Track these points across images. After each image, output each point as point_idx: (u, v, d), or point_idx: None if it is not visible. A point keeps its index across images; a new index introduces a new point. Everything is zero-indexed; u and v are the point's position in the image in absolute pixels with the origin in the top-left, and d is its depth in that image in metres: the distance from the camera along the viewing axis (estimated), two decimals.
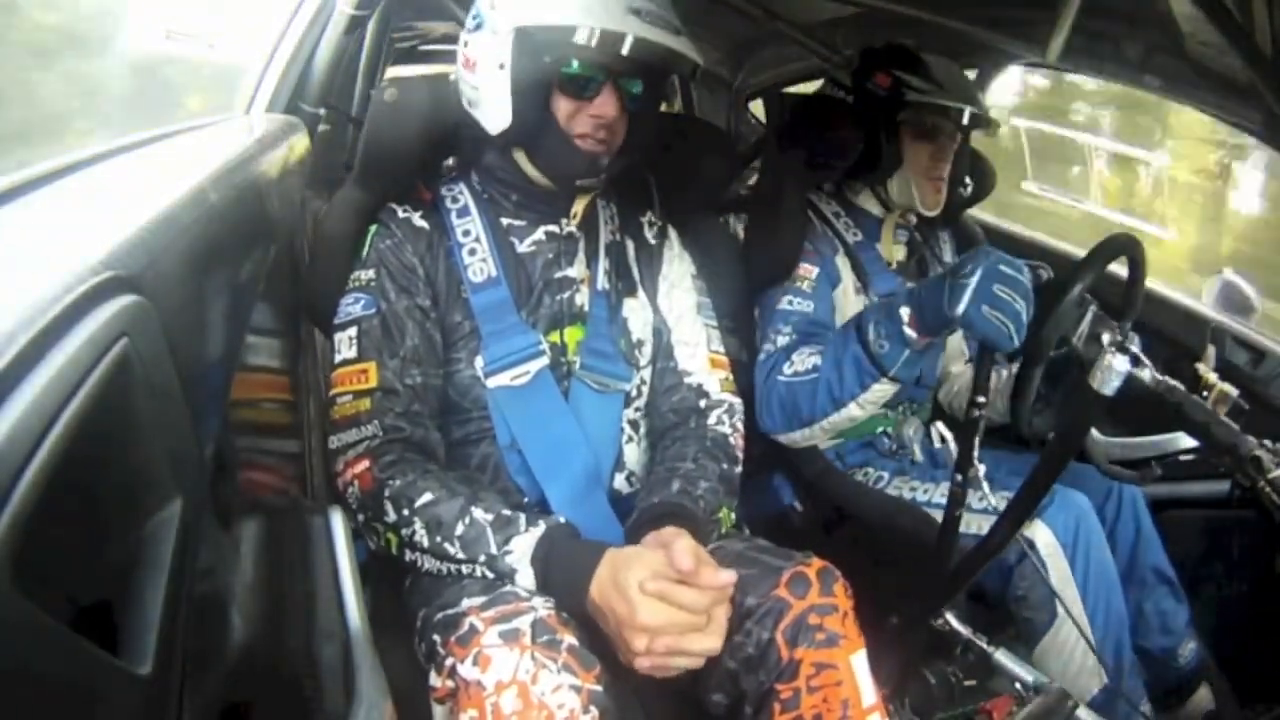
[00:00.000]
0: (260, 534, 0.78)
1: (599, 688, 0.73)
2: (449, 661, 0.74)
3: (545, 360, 1.01)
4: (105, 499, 0.41)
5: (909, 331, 1.09)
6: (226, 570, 0.65)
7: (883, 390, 1.15)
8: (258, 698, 0.68)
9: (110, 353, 0.39)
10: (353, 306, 0.99)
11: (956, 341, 1.53)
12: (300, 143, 1.13)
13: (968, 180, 1.49)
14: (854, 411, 1.18)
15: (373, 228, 1.04)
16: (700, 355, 1.12)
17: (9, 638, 0.32)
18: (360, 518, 0.92)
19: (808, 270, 1.34)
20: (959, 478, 1.07)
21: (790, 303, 1.31)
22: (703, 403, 1.09)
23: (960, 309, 1.01)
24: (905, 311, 1.09)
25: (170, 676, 0.43)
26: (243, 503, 0.73)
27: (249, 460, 0.84)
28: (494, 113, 0.96)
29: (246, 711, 0.62)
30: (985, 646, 1.10)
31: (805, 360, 1.23)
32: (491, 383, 1.00)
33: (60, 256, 0.42)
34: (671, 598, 0.78)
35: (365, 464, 0.91)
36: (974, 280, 1.01)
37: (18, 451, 0.33)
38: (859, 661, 0.85)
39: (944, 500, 1.15)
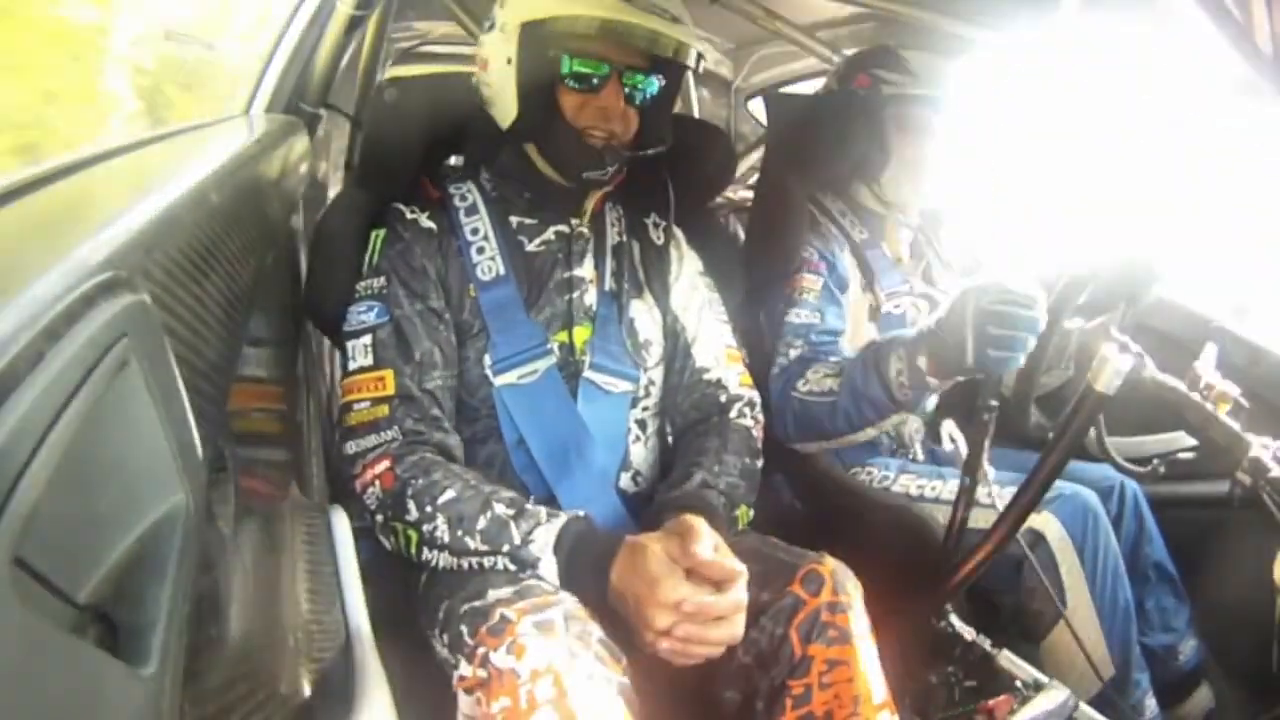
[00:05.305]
0: (260, 534, 0.78)
1: (626, 680, 0.74)
2: (481, 650, 0.74)
3: (553, 359, 1.02)
4: (106, 499, 0.41)
5: (932, 380, 1.11)
6: (227, 570, 0.65)
7: (899, 418, 1.20)
8: (258, 698, 0.67)
9: (110, 353, 0.39)
10: (365, 314, 0.99)
11: None
12: (300, 143, 1.13)
13: None
14: (870, 433, 1.23)
15: (380, 232, 1.04)
16: (717, 351, 1.12)
17: (10, 638, 0.32)
18: (379, 518, 0.92)
19: (812, 282, 1.35)
20: (967, 481, 1.07)
21: (798, 315, 1.33)
22: (723, 397, 1.10)
23: (970, 361, 1.02)
24: (924, 361, 1.11)
25: (172, 676, 0.43)
26: (243, 502, 0.73)
27: (249, 460, 0.84)
28: (504, 107, 1.00)
29: (247, 711, 0.62)
30: (987, 646, 1.10)
31: (821, 381, 1.25)
32: (499, 381, 1.00)
33: (60, 256, 0.42)
34: (704, 608, 0.78)
35: (386, 464, 0.92)
36: (970, 334, 1.02)
37: (19, 451, 0.33)
38: (870, 658, 0.86)
39: (953, 496, 1.15)
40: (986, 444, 1.06)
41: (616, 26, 0.94)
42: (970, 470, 1.07)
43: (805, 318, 1.33)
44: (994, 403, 1.04)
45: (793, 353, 1.31)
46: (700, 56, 1.03)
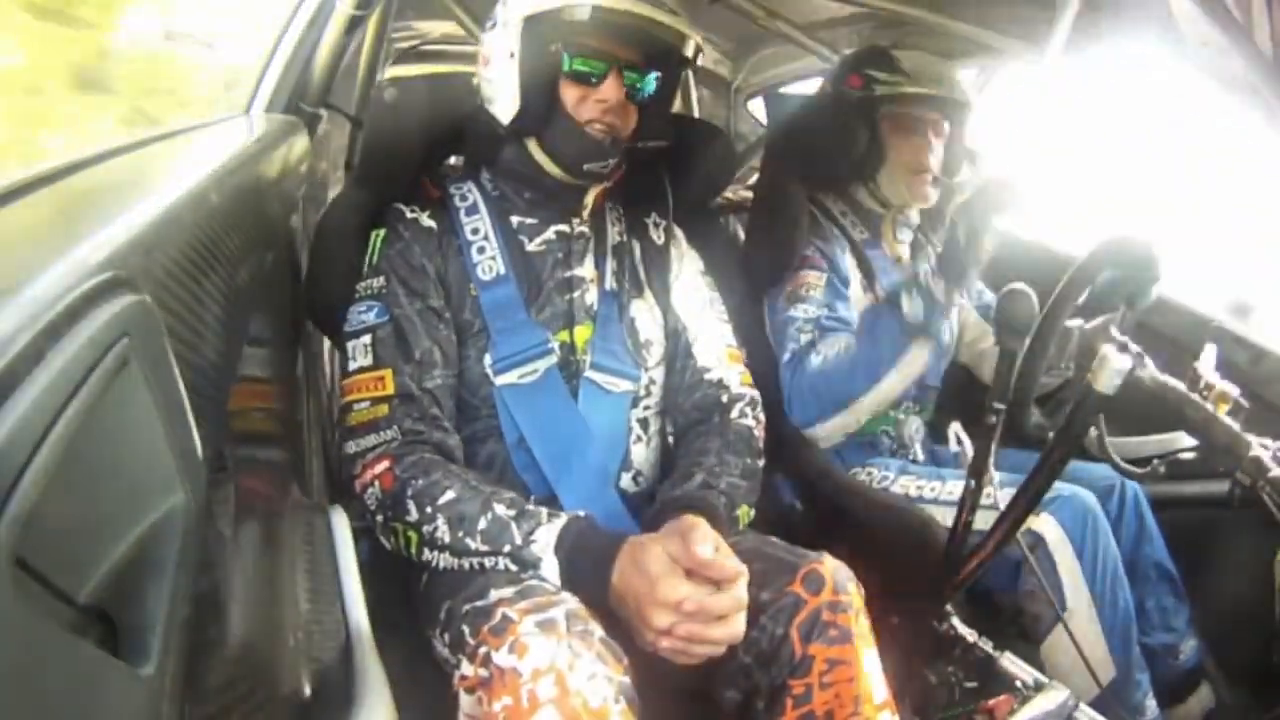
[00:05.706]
0: (260, 534, 0.78)
1: (627, 679, 0.74)
2: (483, 650, 0.74)
3: (554, 358, 1.02)
4: (106, 499, 0.41)
5: (936, 289, 1.14)
6: (227, 570, 0.65)
7: (919, 355, 1.19)
8: (258, 698, 0.67)
9: (110, 353, 0.39)
10: (365, 314, 0.99)
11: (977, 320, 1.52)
12: (300, 143, 1.13)
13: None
14: (893, 383, 1.22)
15: (380, 232, 1.04)
16: (718, 351, 1.12)
17: (10, 638, 0.32)
18: (380, 518, 0.93)
19: (816, 278, 1.35)
20: (973, 483, 1.07)
21: (805, 311, 1.34)
22: (724, 397, 1.10)
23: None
24: (927, 269, 1.15)
25: (172, 676, 0.43)
26: (243, 502, 0.73)
27: (249, 460, 0.84)
28: (505, 101, 1.01)
29: (247, 711, 0.62)
30: (987, 647, 1.10)
31: (835, 345, 1.26)
32: (499, 380, 1.00)
33: (60, 256, 0.42)
34: (705, 607, 0.78)
35: (386, 464, 0.92)
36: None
37: (19, 451, 0.33)
38: (871, 658, 0.86)
39: (951, 497, 1.14)
40: (993, 446, 1.06)
41: (616, 16, 0.95)
42: (976, 472, 1.07)
43: (813, 312, 1.33)
44: (1000, 405, 1.04)
45: (803, 338, 1.32)
46: (699, 49, 1.04)
